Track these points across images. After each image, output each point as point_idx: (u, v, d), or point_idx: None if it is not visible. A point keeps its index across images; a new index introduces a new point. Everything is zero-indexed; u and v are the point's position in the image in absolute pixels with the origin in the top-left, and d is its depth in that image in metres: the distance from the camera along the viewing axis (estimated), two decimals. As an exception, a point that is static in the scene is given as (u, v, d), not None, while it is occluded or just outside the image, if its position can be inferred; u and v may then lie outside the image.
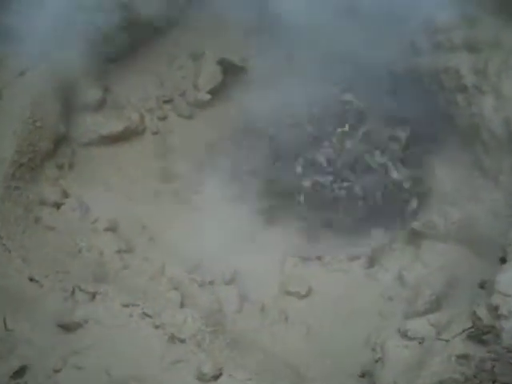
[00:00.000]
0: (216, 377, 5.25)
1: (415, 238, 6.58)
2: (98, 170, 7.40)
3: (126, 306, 5.66)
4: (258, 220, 7.02)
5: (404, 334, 4.83)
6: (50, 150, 7.12)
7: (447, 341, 4.30)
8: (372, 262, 6.67)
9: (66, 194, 7.04)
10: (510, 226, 5.60)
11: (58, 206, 6.92)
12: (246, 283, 6.56)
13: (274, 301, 6.46)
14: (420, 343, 4.71)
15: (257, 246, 6.82)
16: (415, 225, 6.57)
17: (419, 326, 4.80)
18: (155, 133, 7.84)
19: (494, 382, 3.72)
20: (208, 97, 7.93)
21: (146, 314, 5.63)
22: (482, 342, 4.03)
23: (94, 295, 5.79)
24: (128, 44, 7.89)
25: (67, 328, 5.57)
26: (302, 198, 6.94)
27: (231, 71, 8.04)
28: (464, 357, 3.99)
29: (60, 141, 7.25)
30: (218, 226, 6.95)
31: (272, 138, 7.39)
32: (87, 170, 7.37)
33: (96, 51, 7.60)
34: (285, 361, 5.84)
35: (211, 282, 6.46)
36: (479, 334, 4.05)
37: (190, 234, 6.88)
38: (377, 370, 4.76)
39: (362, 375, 5.19)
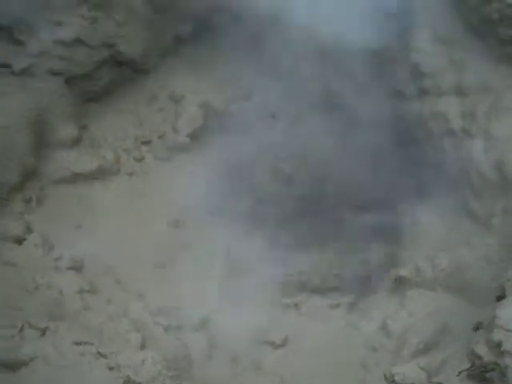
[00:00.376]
0: (176, 426, 4.57)
1: (400, 285, 6.05)
2: (67, 208, 6.94)
3: (78, 344, 5.04)
4: (233, 266, 6.48)
5: (391, 380, 4.21)
6: (17, 183, 6.71)
7: (441, 384, 3.70)
8: (353, 309, 6.08)
9: (29, 230, 6.58)
10: (505, 270, 5.12)
11: (20, 241, 6.44)
12: (217, 330, 5.94)
13: (246, 349, 5.83)
14: (410, 389, 4.09)
15: (229, 292, 6.24)
16: (401, 271, 6.04)
17: (408, 370, 4.19)
18: (130, 174, 7.42)
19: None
20: (187, 140, 7.56)
21: (100, 354, 5.00)
22: (485, 381, 3.46)
23: (44, 331, 5.17)
24: (109, 83, 7.60)
25: (10, 366, 4.93)
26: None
27: (213, 115, 7.71)
28: None
29: (29, 174, 6.85)
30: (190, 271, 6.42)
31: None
32: (56, 207, 6.93)
33: (75, 87, 7.38)
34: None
35: (178, 327, 5.84)
36: (482, 372, 3.49)
37: (160, 278, 6.32)
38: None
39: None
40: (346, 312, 6.14)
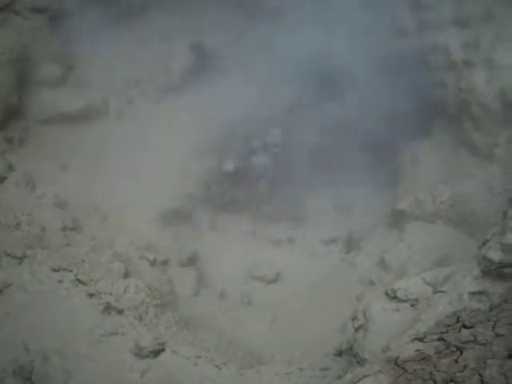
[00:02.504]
0: (156, 352, 4.14)
1: (399, 219, 5.58)
2: (53, 149, 6.52)
3: (57, 270, 4.61)
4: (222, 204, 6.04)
5: (392, 296, 3.73)
6: (0, 122, 6.23)
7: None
8: (350, 246, 5.63)
9: (11, 168, 6.15)
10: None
11: (1, 179, 6.02)
12: (205, 265, 5.49)
13: (236, 285, 5.39)
14: (413, 306, 3.61)
15: (219, 227, 5.79)
16: (400, 205, 5.58)
17: (412, 284, 3.70)
18: (119, 116, 6.94)
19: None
20: (179, 81, 7.08)
21: (79, 281, 4.59)
22: (503, 277, 3.02)
23: (21, 260, 4.73)
24: (95, 22, 7.08)
25: None
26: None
27: (204, 56, 7.22)
28: (481, 293, 2.95)
29: (12, 113, 6.44)
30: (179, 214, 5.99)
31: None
32: (41, 146, 6.53)
33: (60, 26, 6.90)
34: (246, 347, 4.72)
35: (164, 262, 5.39)
36: (498, 268, 3.04)
37: (147, 215, 5.86)
38: (358, 340, 3.63)
39: (339, 353, 4.08)
40: (341, 248, 5.67)
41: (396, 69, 6.45)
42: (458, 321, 2.78)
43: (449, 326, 2.75)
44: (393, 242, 5.44)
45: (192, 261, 5.56)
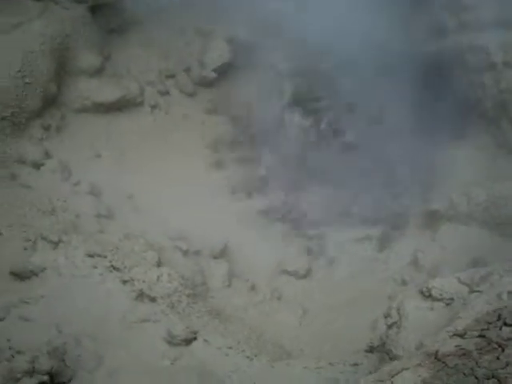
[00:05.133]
0: (188, 341, 4.18)
1: (433, 220, 5.53)
2: (88, 137, 6.60)
3: (91, 256, 4.66)
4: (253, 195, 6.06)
5: (427, 294, 3.70)
6: (38, 109, 6.37)
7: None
8: (382, 244, 5.61)
9: (48, 156, 6.24)
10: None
11: (37, 166, 6.14)
12: (237, 258, 5.51)
13: (267, 278, 5.41)
14: (448, 305, 3.58)
15: (252, 221, 5.81)
16: (434, 206, 5.54)
17: (447, 284, 3.66)
18: (154, 107, 7.00)
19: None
20: (213, 75, 7.11)
21: (113, 267, 4.63)
22: None
23: (56, 244, 4.81)
24: (134, 14, 7.18)
25: (20, 276, 4.62)
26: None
27: (240, 51, 7.24)
28: None
29: (50, 102, 6.51)
30: (210, 200, 6.02)
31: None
32: (77, 135, 6.61)
33: (100, 16, 6.99)
34: (276, 341, 4.73)
35: (197, 253, 5.42)
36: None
37: (179, 206, 5.91)
38: (391, 337, 3.62)
39: (370, 350, 4.06)
40: (374, 246, 5.64)
41: (434, 69, 6.42)
42: (499, 318, 2.75)
43: (489, 323, 2.73)
44: (426, 242, 5.41)
45: (224, 253, 5.58)
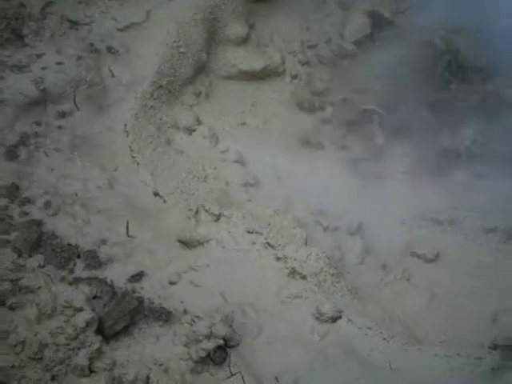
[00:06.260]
0: (334, 319, 4.79)
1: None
2: (233, 104, 7.13)
3: (250, 232, 5.31)
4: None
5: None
6: (190, 77, 6.89)
7: None
8: (509, 236, 5.92)
9: (199, 121, 6.79)
10: None
11: (190, 131, 6.69)
12: (371, 237, 6.01)
13: (397, 259, 5.89)
14: None
15: (386, 200, 6.25)
16: None
17: None
18: (294, 76, 7.41)
19: None
20: (353, 47, 7.39)
21: (269, 244, 5.25)
22: None
23: (218, 217, 5.49)
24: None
25: (187, 244, 5.30)
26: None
27: (380, 25, 7.43)
28: None
29: (200, 69, 7.03)
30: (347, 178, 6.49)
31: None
32: (223, 102, 7.12)
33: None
34: (403, 322, 5.27)
35: (335, 228, 5.96)
36: None
37: (319, 181, 6.41)
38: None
39: (494, 347, 4.53)
40: (501, 237, 5.96)
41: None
42: None
43: None
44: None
45: (359, 229, 6.09)
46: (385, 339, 4.77)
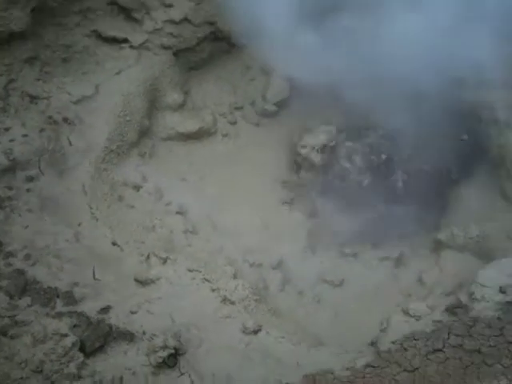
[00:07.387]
0: (256, 331, 7.66)
1: (438, 246, 9.08)
2: (173, 162, 9.47)
3: (191, 270, 8.10)
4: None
5: (406, 312, 7.37)
6: (135, 141, 8.93)
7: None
8: (398, 263, 9.23)
9: (145, 179, 8.76)
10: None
11: (137, 188, 8.68)
12: (290, 269, 9.14)
13: (311, 286, 8.97)
14: (417, 320, 7.24)
15: (302, 240, 9.48)
16: (439, 235, 9.10)
17: (418, 307, 7.35)
18: (225, 135, 10.20)
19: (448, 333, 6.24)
20: (274, 108, 10.30)
21: (205, 279, 8.06)
22: (454, 314, 6.59)
23: (165, 260, 8.29)
24: (209, 55, 10.23)
25: (142, 282, 7.26)
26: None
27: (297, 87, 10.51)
28: (438, 321, 6.57)
29: (144, 133, 9.03)
30: (274, 223, 9.61)
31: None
32: (164, 161, 9.21)
33: (181, 59, 10.17)
34: (312, 333, 8.44)
35: (259, 265, 9.12)
36: (453, 308, 6.62)
37: (246, 225, 9.54)
38: (381, 338, 7.30)
39: (371, 344, 7.71)
40: (392, 265, 9.23)
41: (455, 116, 9.72)
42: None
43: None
44: (430, 265, 9.00)
45: (279, 264, 9.26)
46: (294, 345, 7.82)
